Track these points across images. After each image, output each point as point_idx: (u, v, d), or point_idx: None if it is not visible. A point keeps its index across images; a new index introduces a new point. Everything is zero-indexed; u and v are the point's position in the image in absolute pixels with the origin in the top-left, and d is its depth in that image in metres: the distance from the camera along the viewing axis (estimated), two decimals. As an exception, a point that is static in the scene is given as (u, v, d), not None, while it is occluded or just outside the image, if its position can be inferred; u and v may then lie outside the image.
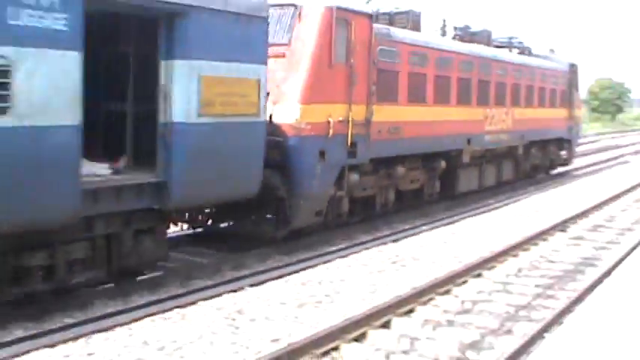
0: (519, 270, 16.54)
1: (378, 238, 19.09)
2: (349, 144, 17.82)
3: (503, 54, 28.78)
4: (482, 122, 25.53)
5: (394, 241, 18.96)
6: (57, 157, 11.02)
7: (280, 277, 15.04)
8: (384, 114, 19.29)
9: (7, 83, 10.27)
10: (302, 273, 15.46)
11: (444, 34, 26.71)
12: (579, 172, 38.17)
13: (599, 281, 14.56)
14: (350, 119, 17.71)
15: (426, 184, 22.91)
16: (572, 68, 35.33)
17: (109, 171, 13.05)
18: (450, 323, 12.68)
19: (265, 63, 14.87)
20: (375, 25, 18.99)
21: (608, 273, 15.20)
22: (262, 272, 15.26)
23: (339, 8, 17.27)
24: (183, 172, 13.21)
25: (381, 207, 20.75)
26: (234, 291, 13.90)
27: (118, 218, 12.84)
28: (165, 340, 11.23)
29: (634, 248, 17.71)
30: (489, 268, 16.39)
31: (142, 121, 13.99)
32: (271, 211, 16.99)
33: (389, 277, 15.51)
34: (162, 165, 13.11)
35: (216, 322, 12.18)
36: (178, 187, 13.17)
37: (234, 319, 12.34)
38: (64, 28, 10.86)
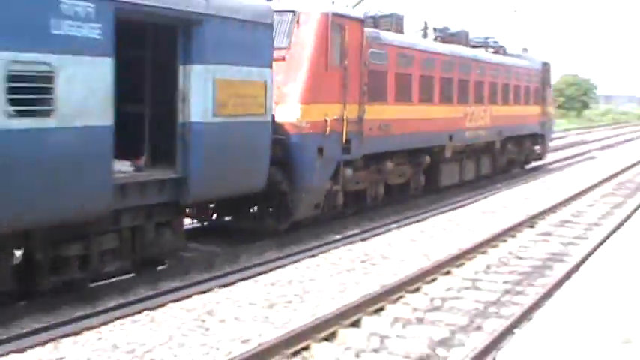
0: (488, 266, 16.61)
1: (347, 237, 19.09)
2: (344, 141, 18.91)
3: (481, 54, 30.07)
4: (463, 119, 26.71)
5: (363, 239, 18.97)
6: (93, 155, 12.04)
7: (250, 277, 15.01)
8: (375, 112, 20.39)
9: (51, 88, 11.19)
10: (271, 273, 15.44)
11: (425, 35, 27.77)
12: (547, 169, 38.37)
13: (567, 276, 14.64)
14: (345, 118, 18.84)
15: (412, 178, 24.00)
16: (545, 66, 36.75)
17: (132, 168, 13.96)
18: (420, 321, 12.71)
19: (271, 66, 16.01)
20: (366, 30, 20.06)
21: (576, 268, 15.29)
22: (231, 273, 15.22)
23: (334, 14, 18.46)
24: (201, 168, 14.24)
25: (372, 200, 21.84)
26: (204, 292, 13.85)
27: (142, 212, 13.84)
28: (135, 342, 11.17)
29: (601, 243, 17.82)
30: (458, 266, 16.45)
31: (158, 122, 14.93)
32: (273, 205, 17.91)
33: (358, 276, 15.52)
34: (181, 162, 14.14)
35: (186, 323, 12.14)
36: (196, 182, 14.22)
37: (204, 321, 12.31)
38: (98, 37, 11.84)
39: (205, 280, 14.57)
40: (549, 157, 40.24)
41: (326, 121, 18.13)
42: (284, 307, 13.21)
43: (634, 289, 12.46)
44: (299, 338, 11.19)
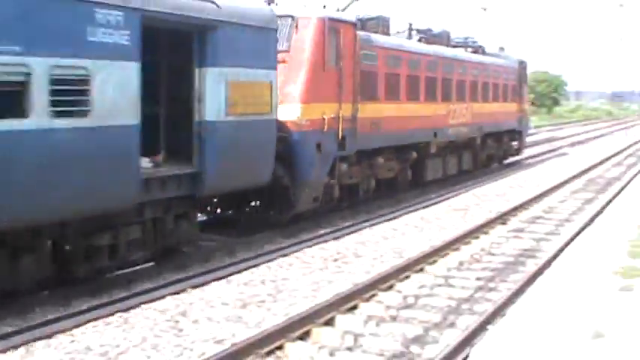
0: (461, 263, 16.65)
1: (319, 236, 19.08)
2: (340, 137, 20.18)
3: (463, 54, 31.69)
4: (446, 116, 28.14)
5: (335, 238, 18.97)
6: (124, 152, 13.25)
7: (222, 277, 14.98)
8: (367, 111, 21.74)
9: (88, 90, 12.29)
10: (244, 273, 15.41)
11: (409, 36, 28.48)
12: (518, 165, 38.53)
13: (539, 272, 14.68)
14: (340, 116, 20.13)
15: (400, 173, 25.29)
16: (521, 65, 38.42)
17: (151, 164, 14.93)
18: (394, 319, 12.72)
19: (275, 68, 17.29)
20: (358, 32, 21.42)
21: (548, 264, 15.34)
22: (204, 273, 15.18)
23: (330, 19, 19.77)
24: (215, 163, 15.39)
25: (364, 193, 23.08)
26: (177, 293, 13.80)
27: (162, 204, 14.92)
28: (108, 345, 11.12)
29: (573, 239, 17.89)
30: (431, 263, 16.47)
31: (173, 122, 15.99)
32: (276, 198, 18.91)
33: (331, 275, 15.52)
34: (197, 157, 15.29)
35: (159, 325, 12.09)
36: (211, 176, 15.37)
37: (177, 322, 12.27)
38: (127, 43, 12.98)
39: (178, 281, 14.52)
40: (521, 154, 40.58)
41: (324, 119, 19.40)
42: (257, 307, 13.19)
43: (606, 284, 12.52)
44: (273, 338, 11.17)
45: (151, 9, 13.60)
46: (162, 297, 13.51)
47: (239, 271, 15.45)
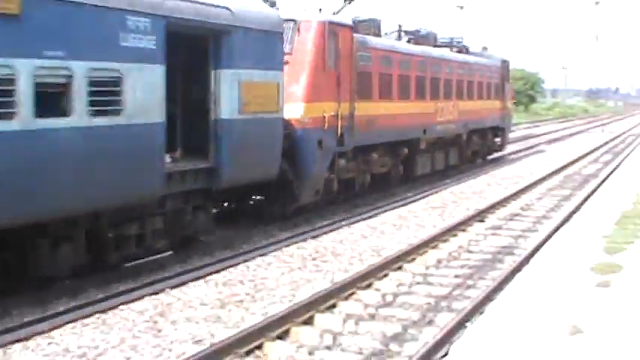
0: (439, 261, 16.69)
1: (297, 235, 19.08)
2: (339, 134, 21.41)
3: (449, 54, 33.19)
4: (435, 114, 29.57)
5: (314, 237, 18.97)
6: (152, 148, 14.39)
7: (201, 277, 14.95)
8: (363, 109, 22.95)
9: (120, 91, 13.42)
10: (223, 273, 15.39)
11: (399, 37, 29.98)
12: (495, 163, 38.64)
13: (517, 269, 14.73)
14: (339, 114, 21.34)
15: (392, 168, 26.53)
16: (504, 64, 40.27)
17: (170, 159, 15.70)
18: (372, 317, 12.74)
19: (282, 69, 18.49)
20: (355, 35, 22.70)
21: (526, 261, 15.38)
22: (182, 273, 15.14)
23: (330, 22, 21.03)
24: (229, 158, 16.53)
25: (360, 187, 24.23)
26: (155, 293, 13.76)
27: (182, 197, 16.01)
28: (87, 346, 11.08)
29: (550, 236, 17.95)
30: (409, 261, 16.49)
31: (189, 120, 16.92)
32: (280, 191, 19.80)
33: (310, 274, 15.53)
34: (213, 153, 16.39)
35: (137, 325, 12.06)
36: (226, 171, 16.51)
37: (155, 322, 12.24)
38: (154, 47, 14.13)
39: (156, 282, 14.49)
40: (504, 150, 41.08)
41: (324, 117, 20.58)
42: (236, 306, 13.18)
43: (583, 280, 12.57)
44: (252, 337, 11.16)
45: (175, 15, 14.76)
46: (141, 298, 13.47)
47: (217, 271, 15.43)
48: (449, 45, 34.83)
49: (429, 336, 11.44)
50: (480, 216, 21.89)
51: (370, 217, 21.91)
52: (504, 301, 11.70)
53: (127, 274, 14.85)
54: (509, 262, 16.26)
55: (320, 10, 21.70)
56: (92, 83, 12.77)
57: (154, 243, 15.47)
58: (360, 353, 11.05)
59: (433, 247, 17.85)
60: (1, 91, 11.34)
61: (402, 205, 24.19)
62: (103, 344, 11.17)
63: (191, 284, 14.51)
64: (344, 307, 13.26)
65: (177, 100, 16.60)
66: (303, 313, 12.43)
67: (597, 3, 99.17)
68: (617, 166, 35.73)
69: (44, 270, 13.09)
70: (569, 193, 27.73)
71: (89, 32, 12.81)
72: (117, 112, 13.41)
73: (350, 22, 22.85)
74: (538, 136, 59.79)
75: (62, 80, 12.36)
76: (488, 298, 13.05)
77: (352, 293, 13.94)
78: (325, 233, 19.49)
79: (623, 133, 70.17)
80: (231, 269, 15.69)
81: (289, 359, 10.88)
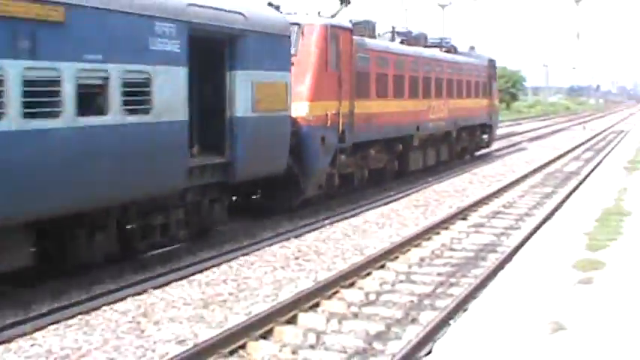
0: (422, 259, 16.71)
1: (280, 234, 19.07)
2: (340, 131, 22.56)
3: (440, 54, 34.62)
4: (427, 112, 30.89)
5: (297, 236, 18.97)
6: (176, 144, 15.48)
7: (184, 277, 14.92)
8: (362, 107, 24.16)
9: (149, 91, 14.49)
10: (206, 272, 15.37)
11: (392, 39, 31.10)
12: (477, 161, 38.70)
13: (500, 267, 14.76)
14: (340, 112, 22.50)
15: (387, 163, 27.68)
16: (491, 63, 41.63)
17: (188, 155, 16.40)
18: (356, 316, 12.75)
19: (290, 70, 19.68)
20: (354, 37, 23.86)
21: (509, 258, 15.41)
22: (165, 274, 15.11)
23: (331, 26, 22.29)
24: (244, 154, 17.64)
25: (358, 182, 25.35)
26: (138, 294, 13.73)
27: (200, 190, 17.08)
28: (70, 347, 11.05)
29: (533, 233, 17.99)
30: (392, 259, 16.51)
31: (205, 119, 17.68)
32: (287, 185, 20.78)
33: (293, 273, 15.53)
34: (228, 149, 17.47)
35: (120, 326, 12.04)
36: (240, 165, 17.63)
37: (139, 323, 12.21)
38: (178, 50, 15.28)
39: (139, 282, 14.45)
40: (491, 146, 41.47)
41: (327, 115, 21.79)
42: (219, 306, 13.17)
43: (566, 277, 12.60)
44: (235, 337, 11.16)
45: (196, 21, 15.88)
46: (124, 298, 13.43)
47: (200, 271, 15.41)
48: (438, 45, 36.10)
49: (412, 334, 11.44)
50: (462, 214, 21.93)
51: (353, 216, 21.92)
52: (487, 299, 11.72)
53: (110, 274, 14.80)
54: (492, 260, 16.30)
55: (319, 13, 22.71)
56: (125, 84, 13.88)
57: (177, 232, 16.56)
58: (344, 352, 11.05)
59: (416, 246, 17.88)
60: (48, 91, 12.37)
61: (385, 204, 24.20)
62: (86, 345, 11.14)
63: (174, 284, 14.49)
64: (327, 306, 13.26)
65: (192, 100, 16.99)
66: (287, 312, 12.42)
67: (578, 1, 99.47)
68: (599, 163, 35.85)
69: (82, 257, 14.20)
70: (551, 190, 27.83)
71: (123, 37, 13.94)
72: (146, 111, 14.48)
73: (350, 25, 23.96)
74: (520, 134, 59.91)
75: (100, 82, 13.47)
76: (472, 295, 13.07)
77: (335, 292, 13.94)
78: (308, 232, 19.48)
79: (605, 130, 70.48)
80: (214, 269, 15.67)
81: (273, 359, 10.88)
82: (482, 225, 20.80)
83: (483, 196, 25.09)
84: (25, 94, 11.89)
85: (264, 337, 11.57)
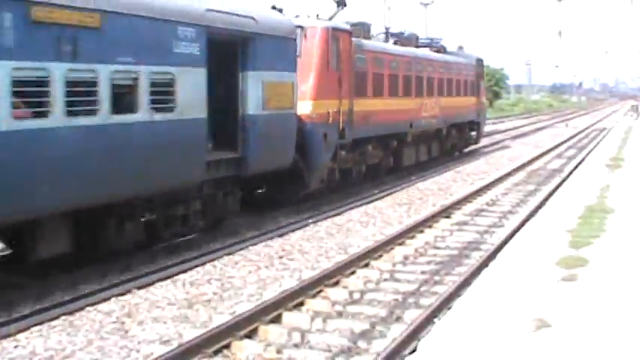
0: (406, 258, 16.72)
1: (264, 234, 19.05)
2: (340, 128, 23.81)
3: (431, 54, 35.95)
4: (419, 110, 32.29)
5: (280, 235, 18.96)
6: (197, 139, 16.64)
7: (168, 277, 14.89)
8: (360, 106, 25.40)
9: (173, 91, 15.67)
10: (190, 272, 15.35)
11: (386, 39, 32.99)
12: (460, 159, 38.75)
13: (484, 264, 14.76)
14: (340, 110, 23.74)
15: (383, 159, 28.88)
16: (479, 62, 43.24)
17: (206, 150, 17.41)
18: (340, 314, 12.76)
19: (295, 70, 20.92)
20: (353, 39, 25.06)
21: (493, 256, 15.42)
22: (149, 274, 15.07)
23: (333, 28, 23.57)
24: (255, 149, 18.81)
25: (357, 176, 26.55)
26: (122, 294, 13.70)
27: (215, 183, 18.13)
28: (54, 349, 11.03)
29: (516, 231, 18.01)
30: (376, 258, 16.51)
31: (217, 117, 18.00)
32: (292, 179, 21.73)
33: (277, 272, 15.53)
34: (241, 145, 18.62)
35: (105, 327, 12.02)
36: (252, 160, 18.77)
37: (123, 323, 12.19)
38: (198, 53, 16.42)
39: (123, 283, 14.41)
40: (479, 143, 42.64)
41: (328, 112, 23.00)
42: (204, 306, 13.16)
43: (549, 274, 12.63)
44: (220, 337, 11.15)
45: (213, 25, 17.01)
46: (108, 299, 13.41)
47: (184, 271, 15.38)
48: (428, 45, 37.55)
49: (397, 332, 11.44)
50: (446, 212, 21.95)
51: (337, 215, 21.92)
52: (472, 297, 11.72)
53: (94, 275, 14.76)
54: (476, 258, 16.33)
55: (317, 15, 23.90)
56: (153, 84, 15.06)
57: (197, 222, 17.70)
58: (329, 351, 11.06)
59: (400, 244, 17.89)
60: (87, 91, 13.51)
61: (368, 202, 24.22)
62: (70, 346, 11.12)
63: (158, 284, 14.47)
64: (312, 305, 13.26)
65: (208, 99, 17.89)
66: (271, 311, 12.42)
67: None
68: (582, 160, 35.92)
69: (113, 245, 15.33)
70: (534, 188, 27.91)
71: (150, 41, 15.09)
72: (171, 109, 15.63)
73: (349, 28, 25.14)
74: (503, 131, 60.02)
75: (130, 82, 14.63)
76: (456, 293, 13.08)
77: (320, 291, 13.94)
78: (292, 231, 19.48)
79: (587, 127, 70.71)
80: (199, 269, 15.65)
81: (257, 358, 10.88)
82: (466, 223, 20.82)
83: (467, 194, 25.13)
84: (68, 93, 13.00)
85: (248, 336, 11.56)
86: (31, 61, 12.50)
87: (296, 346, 11.28)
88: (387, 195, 25.91)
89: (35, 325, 11.97)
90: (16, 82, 12.13)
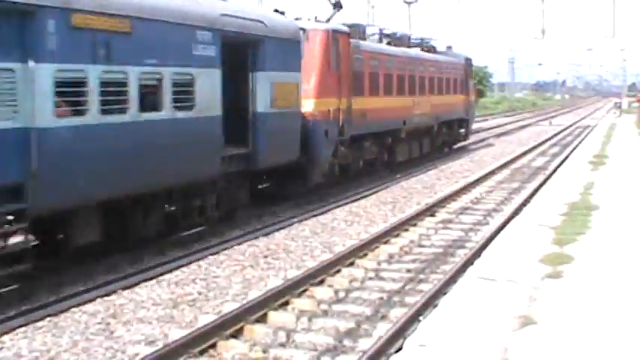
0: (391, 256, 16.73)
1: (249, 233, 19.04)
2: (340, 125, 24.95)
3: (422, 53, 37.29)
4: (412, 108, 33.61)
5: (265, 234, 18.95)
6: (213, 136, 17.92)
7: (153, 277, 14.86)
8: (358, 104, 26.60)
9: (193, 90, 16.88)
10: (175, 272, 15.32)
11: (380, 40, 33.61)
12: (444, 157, 38.81)
13: (469, 262, 14.77)
14: (340, 108, 24.92)
15: (378, 155, 30.23)
16: (468, 61, 44.69)
17: (221, 146, 18.45)
18: (325, 313, 12.76)
19: (300, 71, 22.23)
20: (351, 40, 26.30)
21: (478, 254, 15.43)
22: (134, 274, 15.03)
23: (333, 30, 24.80)
24: (264, 145, 20.06)
25: (355, 171, 27.73)
26: (107, 295, 13.66)
27: (228, 176, 19.13)
28: (39, 350, 11.00)
29: (501, 228, 18.03)
30: (361, 256, 16.52)
31: (229, 115, 18.82)
32: (297, 174, 22.91)
33: (262, 271, 15.52)
34: (250, 141, 19.83)
35: (90, 328, 11.99)
36: (261, 155, 20.02)
37: (108, 324, 12.16)
38: (214, 55, 17.65)
39: (108, 283, 14.37)
40: (468, 140, 43.12)
41: (329, 110, 24.22)
42: (189, 306, 13.14)
43: (536, 272, 12.65)
44: (206, 337, 11.14)
45: (227, 29, 18.24)
46: (93, 300, 13.37)
47: (169, 271, 15.36)
48: (419, 45, 38.77)
49: (382, 331, 11.44)
50: (430, 210, 21.98)
51: (322, 214, 21.93)
52: (457, 295, 11.72)
53: (79, 275, 14.71)
54: (461, 256, 16.35)
55: (316, 18, 25.14)
56: (175, 84, 16.26)
57: (212, 214, 18.71)
58: (314, 350, 11.05)
59: (385, 242, 17.90)
60: (118, 91, 14.63)
61: (353, 201, 24.24)
62: (55, 348, 11.09)
63: (143, 285, 14.44)
64: (297, 304, 13.26)
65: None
66: (257, 311, 12.41)
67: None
68: (566, 158, 36.05)
69: (140, 233, 16.44)
70: (518, 185, 27.98)
71: (173, 44, 16.33)
72: (190, 108, 16.82)
73: (347, 30, 26.29)
74: (487, 130, 60.12)
75: (155, 82, 15.82)
76: (441, 291, 13.09)
77: (305, 290, 13.94)
78: (277, 230, 19.48)
79: (571, 125, 70.93)
80: (184, 268, 15.63)
81: (243, 357, 10.87)
82: (450, 221, 20.85)
83: (451, 192, 25.18)
84: (102, 93, 14.19)
85: (234, 336, 11.55)
86: (71, 63, 13.62)
87: (282, 345, 11.27)
88: (372, 194, 25.92)
89: (20, 326, 11.93)
90: (58, 83, 13.26)
